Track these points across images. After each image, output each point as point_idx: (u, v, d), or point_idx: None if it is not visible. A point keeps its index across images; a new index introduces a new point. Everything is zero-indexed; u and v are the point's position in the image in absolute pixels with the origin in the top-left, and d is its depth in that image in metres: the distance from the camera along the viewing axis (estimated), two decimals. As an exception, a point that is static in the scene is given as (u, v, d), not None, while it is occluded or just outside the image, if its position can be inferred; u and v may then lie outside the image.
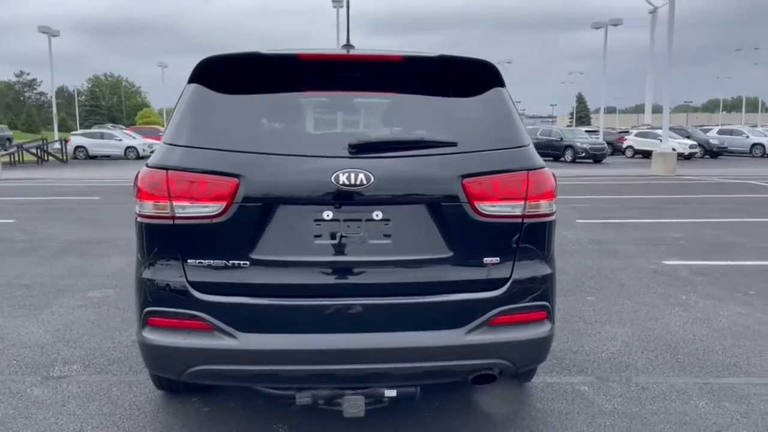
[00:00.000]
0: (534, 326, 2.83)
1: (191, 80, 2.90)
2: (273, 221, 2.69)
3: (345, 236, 2.70)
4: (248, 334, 2.67)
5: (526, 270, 2.83)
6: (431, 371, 2.78)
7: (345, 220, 2.70)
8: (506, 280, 2.79)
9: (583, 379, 3.93)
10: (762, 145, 34.48)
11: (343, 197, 2.67)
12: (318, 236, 2.70)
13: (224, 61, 2.89)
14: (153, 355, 2.78)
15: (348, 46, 3.14)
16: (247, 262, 2.69)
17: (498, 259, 2.78)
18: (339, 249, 2.70)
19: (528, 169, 2.82)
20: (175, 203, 2.69)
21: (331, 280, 2.72)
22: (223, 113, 2.89)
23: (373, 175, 2.65)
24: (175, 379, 2.89)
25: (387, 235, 2.72)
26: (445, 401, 3.55)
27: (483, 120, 2.89)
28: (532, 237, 2.83)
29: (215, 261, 2.70)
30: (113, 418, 3.39)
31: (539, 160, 2.90)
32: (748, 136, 35.53)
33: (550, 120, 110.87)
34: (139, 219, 2.80)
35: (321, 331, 2.68)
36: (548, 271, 2.89)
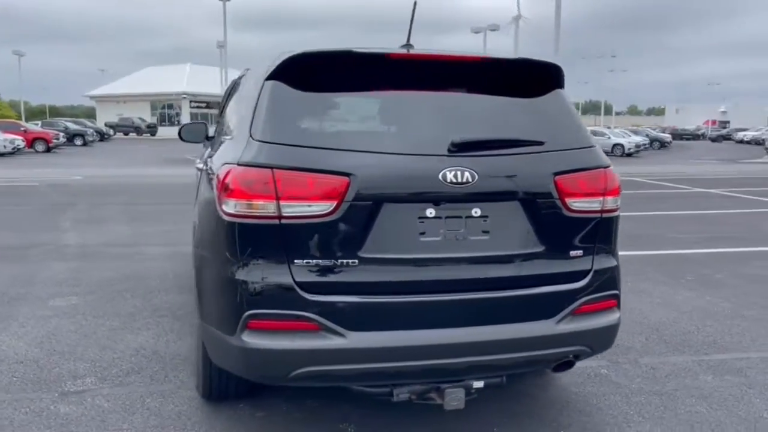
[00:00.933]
0: (608, 314, 3.04)
1: (274, 76, 2.84)
2: (379, 219, 2.70)
3: (447, 233, 2.77)
4: (357, 333, 2.67)
5: (602, 261, 3.03)
6: (526, 360, 2.91)
7: (447, 217, 2.77)
8: (588, 271, 2.98)
9: (597, 363, 4.22)
10: (621, 146, 37.54)
11: (448, 195, 2.74)
12: (422, 233, 2.75)
13: (314, 57, 2.85)
14: (255, 359, 2.69)
15: (408, 45, 3.19)
16: (356, 261, 2.68)
17: (581, 252, 2.97)
18: (442, 246, 2.76)
19: (604, 167, 3.02)
20: (282, 203, 2.63)
21: (436, 276, 2.78)
22: (318, 110, 2.86)
23: (476, 173, 2.74)
24: (277, 384, 2.83)
25: (485, 231, 2.82)
26: (496, 389, 3.67)
27: (557, 120, 3.06)
28: (606, 230, 3.04)
29: (323, 261, 2.67)
30: (168, 430, 3.22)
31: (607, 159, 3.11)
32: (609, 137, 38.55)
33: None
34: (230, 219, 2.70)
35: (426, 327, 2.73)
36: (616, 262, 3.11)
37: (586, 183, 2.95)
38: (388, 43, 3.08)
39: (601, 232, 3.02)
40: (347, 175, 2.65)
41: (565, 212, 2.90)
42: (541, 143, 2.92)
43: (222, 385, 3.36)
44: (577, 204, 2.93)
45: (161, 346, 4.40)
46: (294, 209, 2.64)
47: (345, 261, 2.68)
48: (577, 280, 2.95)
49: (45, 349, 4.31)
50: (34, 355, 4.20)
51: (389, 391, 2.87)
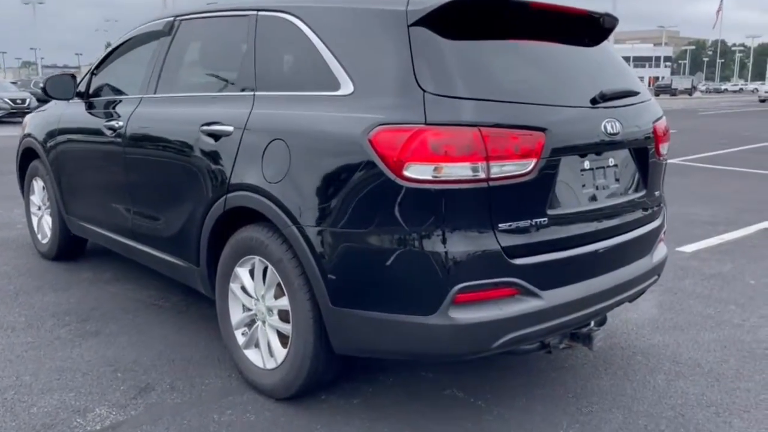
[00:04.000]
0: (664, 245, 3.46)
1: (422, 22, 2.56)
2: (558, 175, 2.67)
3: (597, 183, 2.87)
4: (549, 291, 2.65)
5: (663, 200, 3.43)
6: (635, 293, 3.17)
7: (596, 168, 2.86)
8: (661, 209, 3.36)
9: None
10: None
11: (601, 145, 2.83)
12: (583, 186, 2.80)
13: (468, 2, 2.60)
14: (464, 335, 2.50)
15: None
16: (545, 219, 2.64)
17: (658, 192, 3.32)
18: (595, 196, 2.87)
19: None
20: (491, 163, 2.42)
21: (595, 226, 2.87)
22: (483, 61, 2.67)
23: (621, 124, 2.87)
24: (479, 355, 2.63)
25: (617, 180, 2.98)
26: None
27: (627, 71, 3.29)
28: (664, 172, 3.43)
29: (522, 222, 2.57)
30: None
31: None
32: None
33: (74, 69, 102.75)
34: (423, 186, 2.43)
35: (592, 276, 2.83)
36: None
37: (664, 129, 3.29)
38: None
39: (664, 174, 3.40)
40: (543, 130, 2.55)
41: (656, 158, 3.21)
42: (638, 93, 3.13)
43: (320, 378, 2.95)
44: (662, 148, 3.25)
45: (128, 354, 3.56)
46: (501, 169, 2.46)
47: (538, 220, 2.61)
48: (658, 217, 3.31)
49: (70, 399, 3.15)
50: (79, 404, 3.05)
51: (541, 345, 2.90)
